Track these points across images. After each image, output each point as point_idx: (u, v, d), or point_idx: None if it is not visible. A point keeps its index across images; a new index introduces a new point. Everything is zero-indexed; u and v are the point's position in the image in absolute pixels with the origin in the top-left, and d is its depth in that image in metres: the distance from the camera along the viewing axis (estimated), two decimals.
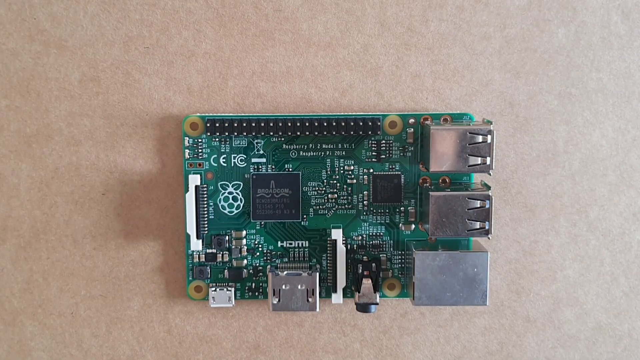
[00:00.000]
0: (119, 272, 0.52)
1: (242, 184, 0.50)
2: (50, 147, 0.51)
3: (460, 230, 0.46)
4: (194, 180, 0.49)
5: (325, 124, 0.48)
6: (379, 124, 0.49)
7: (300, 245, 0.51)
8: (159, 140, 0.51)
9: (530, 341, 0.53)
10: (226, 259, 0.51)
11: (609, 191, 0.51)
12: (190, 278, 0.51)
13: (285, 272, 0.49)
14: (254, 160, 0.50)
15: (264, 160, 0.50)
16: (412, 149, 0.50)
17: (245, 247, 0.51)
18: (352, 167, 0.50)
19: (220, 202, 0.50)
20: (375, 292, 0.48)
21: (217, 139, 0.50)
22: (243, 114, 0.50)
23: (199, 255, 0.51)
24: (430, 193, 0.46)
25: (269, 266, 0.50)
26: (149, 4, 0.50)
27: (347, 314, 0.53)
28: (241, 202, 0.50)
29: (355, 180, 0.50)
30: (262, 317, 0.53)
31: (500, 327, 0.53)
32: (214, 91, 0.50)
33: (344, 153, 0.50)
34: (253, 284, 0.51)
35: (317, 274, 0.49)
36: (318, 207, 0.50)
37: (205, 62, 0.50)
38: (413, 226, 0.51)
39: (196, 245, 0.49)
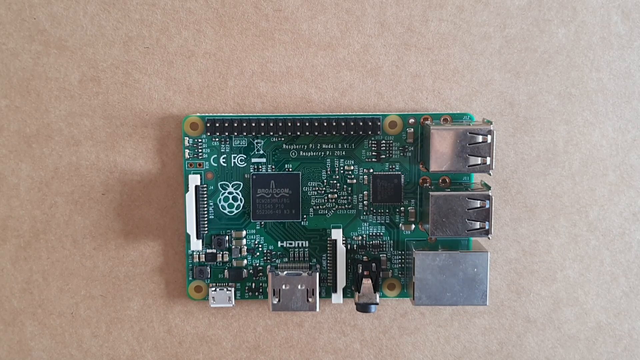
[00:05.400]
0: (119, 272, 0.52)
1: (242, 184, 0.50)
2: (50, 147, 0.51)
3: (460, 230, 0.46)
4: (194, 180, 0.49)
5: (325, 124, 0.48)
6: (379, 124, 0.49)
7: (300, 245, 0.51)
8: (159, 140, 0.51)
9: (530, 341, 0.53)
10: (226, 259, 0.51)
11: (609, 191, 0.51)
12: (190, 278, 0.51)
13: (285, 272, 0.49)
14: (254, 160, 0.50)
15: (264, 160, 0.50)
16: (412, 149, 0.50)
17: (245, 247, 0.51)
18: (352, 167, 0.50)
19: (220, 202, 0.50)
20: (375, 292, 0.48)
21: (217, 139, 0.50)
22: (243, 114, 0.50)
23: (199, 255, 0.51)
24: (430, 193, 0.46)
25: (269, 266, 0.50)
26: (149, 4, 0.50)
27: (347, 314, 0.53)
28: (241, 202, 0.50)
29: (355, 180, 0.50)
30: (262, 317, 0.53)
31: (500, 327, 0.53)
32: (214, 91, 0.50)
33: (344, 153, 0.50)
34: (253, 284, 0.51)
35: (317, 274, 0.49)
36: (318, 207, 0.50)
37: (205, 62, 0.50)
38: (413, 226, 0.50)
39: (196, 245, 0.49)
